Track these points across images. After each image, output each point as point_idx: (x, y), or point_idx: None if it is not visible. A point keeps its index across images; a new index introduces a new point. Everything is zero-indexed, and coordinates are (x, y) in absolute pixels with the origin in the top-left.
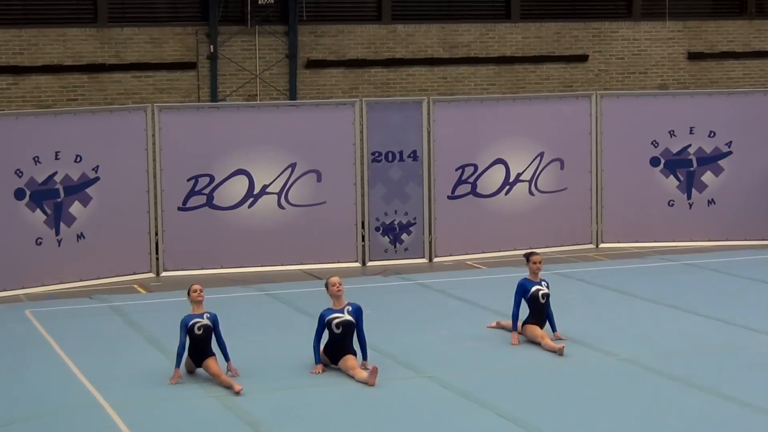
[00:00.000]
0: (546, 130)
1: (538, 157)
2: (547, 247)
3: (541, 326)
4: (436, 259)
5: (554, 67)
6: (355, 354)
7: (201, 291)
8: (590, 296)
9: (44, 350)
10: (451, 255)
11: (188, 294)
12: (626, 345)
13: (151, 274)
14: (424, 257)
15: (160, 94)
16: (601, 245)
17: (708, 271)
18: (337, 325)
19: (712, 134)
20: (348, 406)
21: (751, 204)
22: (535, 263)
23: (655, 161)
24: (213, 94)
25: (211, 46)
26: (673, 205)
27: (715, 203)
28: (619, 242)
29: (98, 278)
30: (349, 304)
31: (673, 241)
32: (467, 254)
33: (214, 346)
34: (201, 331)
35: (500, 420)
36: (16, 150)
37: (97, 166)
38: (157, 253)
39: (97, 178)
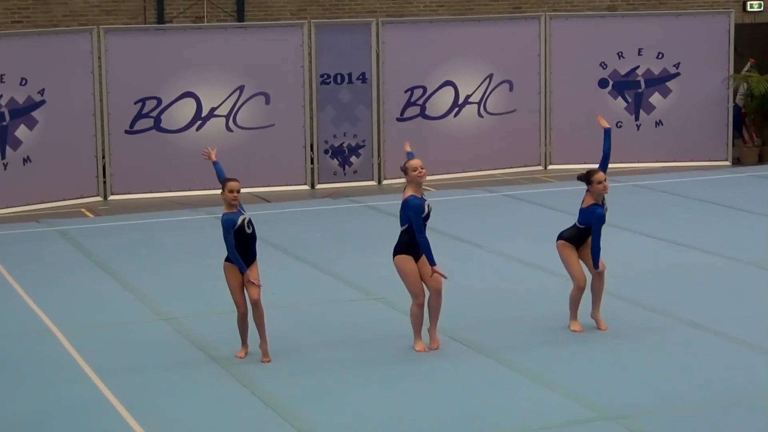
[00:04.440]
0: (495, 52)
1: (487, 79)
2: (496, 168)
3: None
4: (385, 182)
5: None
6: None
7: (239, 193)
8: (539, 218)
9: None
10: (400, 177)
11: (223, 189)
12: None
13: (99, 198)
14: (373, 180)
15: (106, 16)
16: (550, 167)
17: (656, 192)
18: (428, 216)
19: (661, 56)
20: (295, 327)
21: (699, 125)
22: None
23: (603, 83)
24: (159, 16)
25: None
26: (621, 126)
27: (662, 125)
28: (567, 164)
29: (45, 202)
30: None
31: (621, 162)
32: None
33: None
34: (250, 229)
35: (445, 338)
36: None
37: (43, 89)
38: (104, 176)
39: (42, 101)
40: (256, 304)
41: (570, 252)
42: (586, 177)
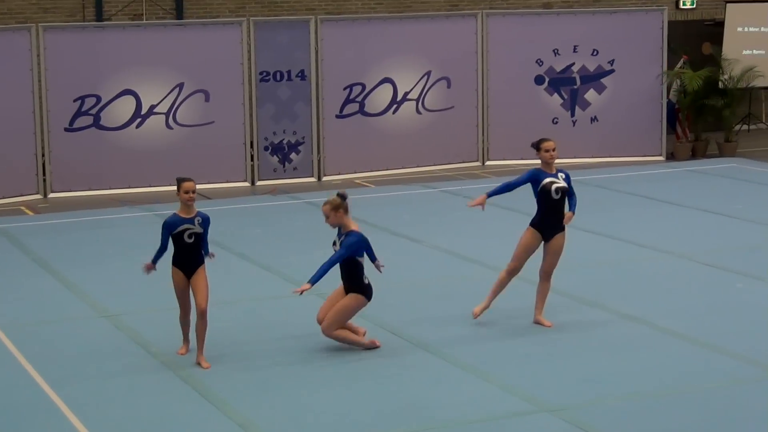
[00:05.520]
0: (433, 49)
1: (425, 76)
2: (434, 164)
3: None
4: (324, 178)
5: None
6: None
7: (194, 193)
8: (477, 212)
9: None
10: (339, 174)
11: (178, 190)
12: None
13: (38, 196)
14: (312, 176)
15: (44, 13)
16: (488, 162)
17: (591, 186)
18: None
19: (595, 53)
20: (237, 323)
21: (633, 121)
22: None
23: (539, 79)
24: (98, 13)
25: None
26: (557, 122)
27: (597, 120)
28: (504, 159)
29: None
30: None
31: (558, 158)
32: (355, 173)
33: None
34: (192, 240)
35: (385, 333)
36: None
37: None
38: (44, 174)
39: None
40: (203, 315)
41: (531, 239)
42: (537, 143)
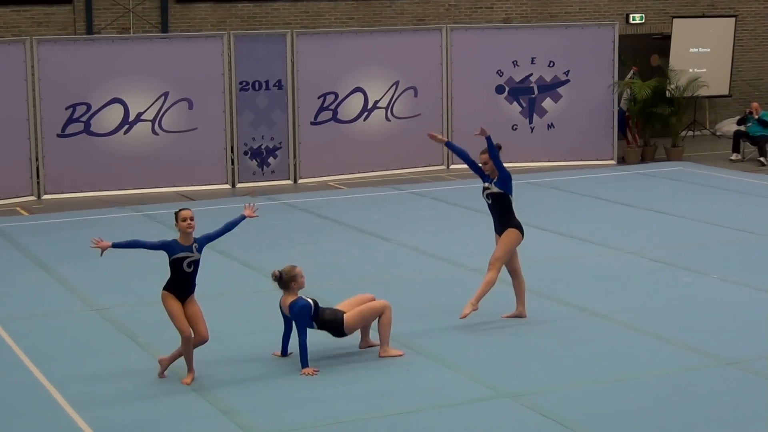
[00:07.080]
0: (401, 60)
1: (394, 86)
2: (402, 168)
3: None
4: (300, 181)
5: (408, 2)
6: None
7: (192, 221)
8: (442, 213)
9: None
10: (314, 177)
11: (176, 220)
12: (474, 257)
13: (33, 197)
14: (289, 179)
15: (38, 27)
16: (452, 166)
17: (548, 188)
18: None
19: (552, 64)
20: (219, 316)
21: (587, 127)
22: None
23: (500, 89)
24: (88, 27)
25: None
26: (516, 129)
27: (554, 127)
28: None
29: None
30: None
31: (516, 162)
32: (329, 176)
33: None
34: (191, 268)
35: None
36: None
37: None
38: (38, 177)
39: None
40: (202, 344)
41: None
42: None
